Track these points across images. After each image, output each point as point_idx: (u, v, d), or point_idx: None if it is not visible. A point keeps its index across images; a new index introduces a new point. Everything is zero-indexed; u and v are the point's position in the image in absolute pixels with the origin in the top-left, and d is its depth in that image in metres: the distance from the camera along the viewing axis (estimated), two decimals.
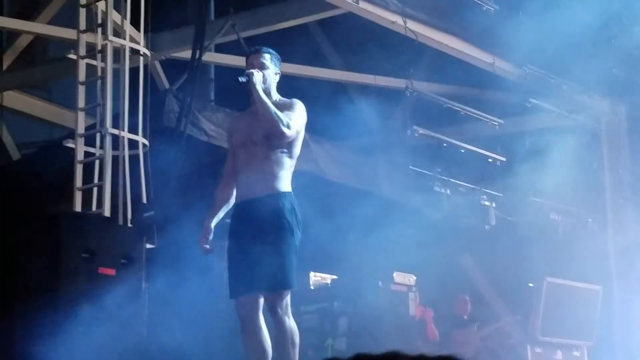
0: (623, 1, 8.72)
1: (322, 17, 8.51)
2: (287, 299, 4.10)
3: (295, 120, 4.10)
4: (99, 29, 6.31)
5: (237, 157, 4.20)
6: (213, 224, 4.25)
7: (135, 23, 6.52)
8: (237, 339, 4.33)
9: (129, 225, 5.82)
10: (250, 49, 4.36)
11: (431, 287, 8.55)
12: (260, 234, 4.07)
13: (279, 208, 4.05)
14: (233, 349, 4.93)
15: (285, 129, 4.04)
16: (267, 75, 4.17)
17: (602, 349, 8.80)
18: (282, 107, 4.17)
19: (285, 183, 4.12)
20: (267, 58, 4.21)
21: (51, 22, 8.58)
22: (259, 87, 4.07)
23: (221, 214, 4.30)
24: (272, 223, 4.05)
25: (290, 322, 4.09)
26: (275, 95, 4.25)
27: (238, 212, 4.19)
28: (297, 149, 4.19)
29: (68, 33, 7.43)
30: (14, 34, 9.01)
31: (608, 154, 9.83)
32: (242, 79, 4.11)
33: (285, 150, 4.12)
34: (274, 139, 4.07)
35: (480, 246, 9.96)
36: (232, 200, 4.25)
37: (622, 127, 9.90)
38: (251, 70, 4.10)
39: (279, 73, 4.27)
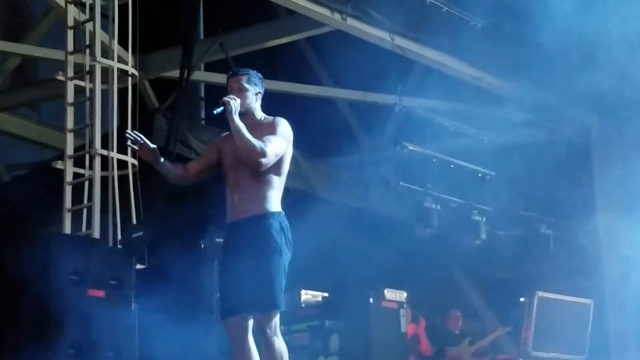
0: (610, 18, 8.79)
1: (311, 34, 8.55)
2: (276, 319, 4.07)
3: (274, 144, 4.04)
4: (87, 50, 6.33)
5: (226, 177, 4.20)
6: (157, 158, 4.12)
7: (124, 43, 6.54)
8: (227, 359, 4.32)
9: (119, 246, 5.81)
10: (229, 72, 4.32)
11: (423, 303, 8.55)
12: (249, 255, 4.04)
13: (267, 228, 4.03)
14: None
15: (260, 159, 3.99)
16: (247, 97, 4.15)
17: None
18: (264, 127, 4.13)
19: (274, 203, 4.10)
20: (245, 79, 4.16)
21: (40, 44, 8.60)
22: (235, 116, 4.01)
23: (168, 167, 4.17)
24: (260, 243, 4.03)
25: (280, 343, 4.07)
26: (260, 115, 4.21)
27: (228, 233, 4.19)
28: (285, 168, 4.16)
29: (56, 54, 7.45)
30: (2, 56, 9.02)
31: (598, 168, 9.86)
32: (216, 112, 4.06)
33: (273, 170, 4.10)
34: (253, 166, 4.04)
35: (472, 261, 9.97)
36: (182, 174, 4.19)
37: (612, 141, 9.94)
38: (226, 99, 4.05)
39: (260, 92, 4.21)
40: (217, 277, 4.42)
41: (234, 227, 4.13)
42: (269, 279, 4.00)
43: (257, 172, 4.06)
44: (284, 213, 4.13)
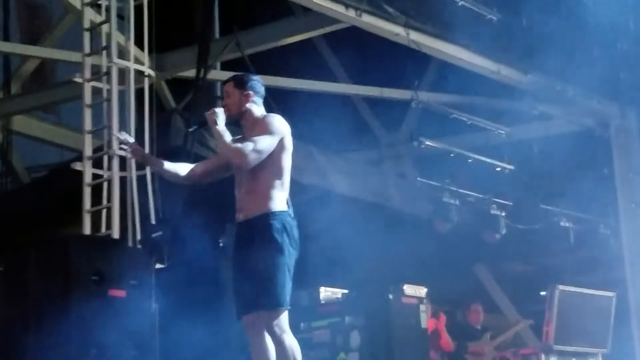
0: (629, 6, 8.72)
1: (327, 31, 8.55)
2: (284, 317, 4.08)
3: (255, 142, 4.08)
4: (104, 52, 6.36)
5: (235, 179, 4.25)
6: (149, 159, 4.36)
7: (140, 44, 6.57)
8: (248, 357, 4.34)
9: (138, 246, 5.84)
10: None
11: (443, 298, 8.52)
12: (251, 255, 4.11)
13: (268, 227, 4.08)
14: None
15: (239, 160, 4.07)
16: (235, 100, 4.23)
17: (621, 356, 8.74)
18: (257, 126, 4.19)
19: (276, 202, 4.13)
20: (232, 85, 4.28)
21: (58, 46, 8.66)
22: (217, 126, 4.12)
23: (162, 166, 4.30)
24: (262, 242, 4.08)
25: (291, 340, 4.09)
26: (259, 113, 4.26)
27: (236, 234, 4.26)
28: (283, 164, 4.18)
29: (74, 56, 7.50)
30: (21, 59, 9.10)
31: (618, 159, 9.78)
32: (191, 129, 4.18)
33: (270, 168, 4.14)
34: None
35: (492, 255, 9.92)
36: (181, 174, 4.29)
37: (632, 132, 9.86)
38: (207, 112, 4.19)
39: (250, 92, 4.26)
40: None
41: (240, 227, 4.21)
42: (269, 278, 4.03)
43: (256, 173, 4.11)
44: (287, 212, 4.15)
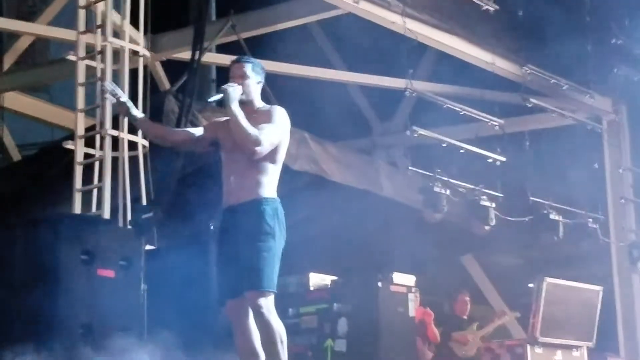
0: (623, 1, 8.74)
1: (323, 17, 8.52)
2: (269, 299, 4.09)
3: (269, 132, 4.10)
4: (99, 30, 6.33)
5: (224, 162, 4.26)
6: (138, 112, 4.33)
7: (135, 24, 6.53)
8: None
9: (129, 227, 5.84)
10: (233, 59, 4.36)
11: (431, 288, 8.55)
12: (242, 239, 4.12)
13: (261, 212, 4.11)
14: (230, 350, 4.94)
15: (255, 147, 4.07)
16: (248, 85, 4.21)
17: (605, 350, 8.81)
18: (261, 116, 4.19)
19: (268, 189, 4.16)
20: (249, 68, 4.24)
21: (52, 23, 8.60)
22: (234, 104, 4.08)
23: (145, 125, 4.37)
24: (254, 227, 4.10)
25: (277, 323, 4.10)
26: (259, 104, 4.28)
27: (223, 219, 4.26)
28: (280, 156, 4.22)
29: (68, 34, 7.45)
30: (14, 36, 9.04)
31: (609, 154, 9.83)
32: (211, 99, 4.17)
33: (268, 157, 4.15)
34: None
35: (481, 247, 9.96)
36: (166, 137, 4.34)
37: (624, 127, 9.91)
38: (226, 86, 4.13)
39: (261, 82, 4.29)
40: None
41: (229, 212, 4.21)
42: (261, 260, 4.06)
43: (252, 159, 4.12)
44: (279, 200, 4.19)
